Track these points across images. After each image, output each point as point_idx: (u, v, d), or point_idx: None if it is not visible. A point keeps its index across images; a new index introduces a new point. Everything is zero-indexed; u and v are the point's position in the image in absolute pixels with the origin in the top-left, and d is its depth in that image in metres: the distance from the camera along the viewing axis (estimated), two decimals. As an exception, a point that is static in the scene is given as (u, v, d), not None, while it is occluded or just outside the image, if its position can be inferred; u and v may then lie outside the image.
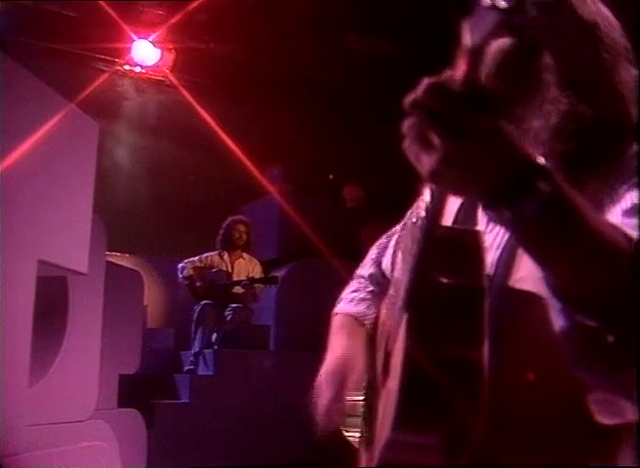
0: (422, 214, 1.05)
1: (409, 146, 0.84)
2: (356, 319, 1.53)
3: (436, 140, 0.81)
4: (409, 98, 0.82)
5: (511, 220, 0.85)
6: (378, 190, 9.53)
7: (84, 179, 3.60)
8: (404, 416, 0.92)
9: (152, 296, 8.08)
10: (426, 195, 1.33)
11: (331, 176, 9.92)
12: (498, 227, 1.13)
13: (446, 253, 0.98)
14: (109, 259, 4.80)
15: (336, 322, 1.56)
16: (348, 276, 1.66)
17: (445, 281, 0.95)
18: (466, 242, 1.00)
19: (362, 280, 1.63)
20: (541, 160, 0.84)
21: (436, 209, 1.02)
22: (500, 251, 1.12)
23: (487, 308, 0.96)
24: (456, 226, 1.20)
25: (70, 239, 3.41)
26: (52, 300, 3.69)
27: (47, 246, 3.18)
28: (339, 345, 1.50)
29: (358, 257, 1.69)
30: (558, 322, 0.92)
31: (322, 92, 9.46)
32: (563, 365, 0.94)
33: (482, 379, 0.91)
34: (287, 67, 9.13)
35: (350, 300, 1.58)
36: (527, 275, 1.06)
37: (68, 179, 3.41)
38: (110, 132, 9.00)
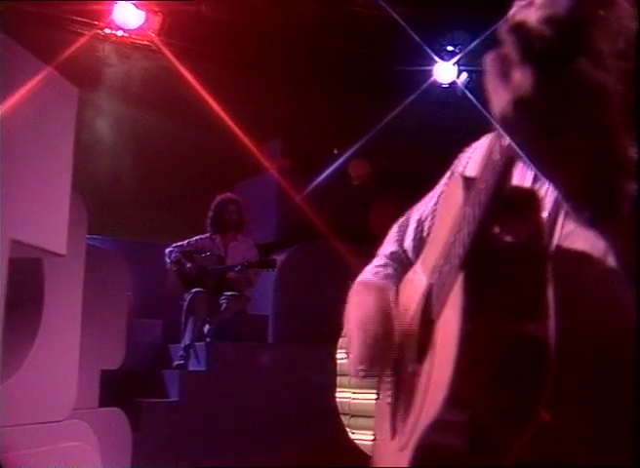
0: (479, 174, 1.03)
1: (488, 82, 0.83)
2: (382, 289, 1.51)
3: (517, 76, 0.79)
4: (510, 21, 0.79)
5: (588, 222, 0.84)
6: (387, 166, 9.51)
7: (62, 151, 3.57)
8: (459, 393, 0.91)
9: (137, 284, 8.05)
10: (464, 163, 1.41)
11: (335, 151, 9.90)
12: (544, 186, 1.13)
13: (507, 211, 0.98)
14: (90, 242, 4.77)
15: (357, 287, 1.55)
16: (355, 260, 1.69)
17: (508, 239, 0.95)
18: (526, 201, 1.01)
19: (384, 258, 1.63)
20: (634, 153, 0.80)
21: (505, 167, 0.98)
22: (546, 213, 1.13)
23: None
24: (514, 184, 1.19)
25: (47, 216, 3.37)
26: (26, 285, 3.67)
27: (21, 223, 3.15)
28: (369, 298, 1.48)
29: (365, 240, 1.68)
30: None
31: (325, 59, 9.45)
32: (627, 326, 0.96)
33: (549, 358, 0.90)
34: (287, 32, 9.12)
35: (375, 273, 1.58)
36: (575, 231, 1.07)
37: (45, 150, 3.37)
38: (90, 102, 8.95)
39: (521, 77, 0.79)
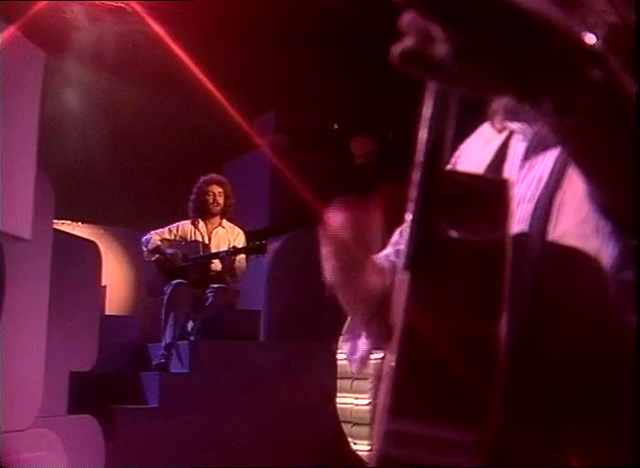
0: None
1: (409, 49, 0.82)
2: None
3: (445, 30, 0.80)
4: None
5: (552, 114, 0.86)
6: (393, 142, 9.51)
7: (26, 124, 3.57)
8: (402, 401, 0.94)
9: (112, 275, 8.07)
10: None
11: (335, 126, 9.91)
12: (531, 177, 1.20)
13: (458, 202, 1.00)
14: (58, 228, 4.77)
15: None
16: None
17: (455, 235, 0.96)
18: (486, 190, 1.03)
19: (391, 247, 1.64)
20: (592, 39, 0.83)
21: (438, 138, 1.00)
22: (534, 202, 1.17)
23: (525, 271, 1.07)
24: (474, 172, 1.24)
25: (9, 196, 3.37)
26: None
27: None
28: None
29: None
30: (607, 250, 0.96)
31: (324, 22, 9.40)
32: (617, 333, 1.02)
33: (497, 361, 0.92)
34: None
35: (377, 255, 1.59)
36: (569, 230, 1.11)
37: (6, 121, 3.36)
38: (57, 70, 8.89)
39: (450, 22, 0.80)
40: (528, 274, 1.10)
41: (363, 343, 1.51)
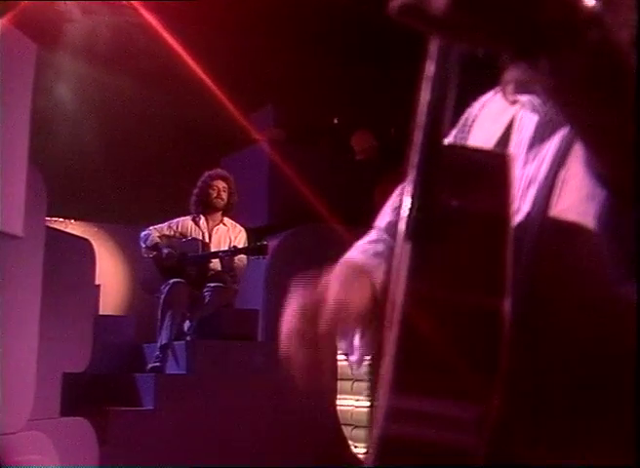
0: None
1: (408, 1, 0.84)
2: (365, 272, 1.50)
3: None
4: None
5: (547, 73, 0.89)
6: (394, 137, 9.50)
7: (18, 117, 3.57)
8: (403, 376, 0.94)
9: (107, 274, 8.06)
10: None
11: (335, 121, 9.89)
12: (541, 156, 1.22)
13: (460, 173, 1.01)
14: (51, 226, 4.76)
15: (338, 267, 1.52)
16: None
17: (457, 205, 0.97)
18: (488, 163, 1.04)
19: (377, 232, 1.64)
20: (591, 1, 0.85)
21: (439, 99, 0.99)
22: (538, 184, 1.20)
23: (526, 248, 1.10)
24: (475, 146, 1.27)
25: (0, 193, 3.34)
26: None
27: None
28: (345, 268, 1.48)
29: (370, 223, 1.70)
30: (601, 219, 1.00)
31: (324, 13, 9.39)
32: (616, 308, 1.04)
33: (502, 337, 0.92)
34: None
35: (363, 251, 1.58)
36: (571, 207, 1.13)
37: (-4, 115, 3.34)
38: (50, 63, 8.89)
39: None
40: (527, 251, 1.11)
41: (359, 344, 1.50)
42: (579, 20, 0.85)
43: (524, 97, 1.29)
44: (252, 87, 8.67)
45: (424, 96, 1.00)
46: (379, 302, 1.39)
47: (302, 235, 7.99)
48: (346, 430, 6.52)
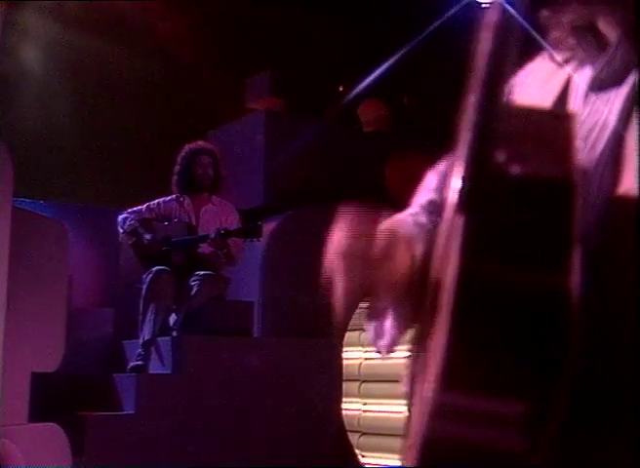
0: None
1: None
2: (405, 241, 1.53)
3: None
4: None
5: None
6: (408, 107, 9.49)
7: None
8: (453, 369, 0.93)
9: (82, 261, 8.04)
10: None
11: (341, 88, 9.88)
12: (596, 118, 1.21)
13: (520, 137, 1.01)
14: (18, 206, 4.75)
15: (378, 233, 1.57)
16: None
17: (517, 172, 0.96)
18: (550, 125, 1.05)
19: (417, 207, 1.66)
20: None
21: (497, 71, 1.03)
22: (598, 152, 1.19)
23: (589, 223, 1.05)
24: (536, 106, 1.27)
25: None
26: None
27: None
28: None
29: (380, 204, 1.66)
30: None
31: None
32: None
33: (571, 318, 0.90)
34: None
35: (404, 221, 1.60)
36: (633, 187, 1.12)
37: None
38: (13, 22, 8.85)
39: None
40: (594, 228, 1.09)
41: (390, 326, 1.49)
42: None
43: (578, 54, 1.29)
44: (246, 51, 8.65)
45: (481, 68, 1.01)
46: (416, 278, 1.39)
47: (303, 218, 7.97)
48: (353, 437, 6.50)
